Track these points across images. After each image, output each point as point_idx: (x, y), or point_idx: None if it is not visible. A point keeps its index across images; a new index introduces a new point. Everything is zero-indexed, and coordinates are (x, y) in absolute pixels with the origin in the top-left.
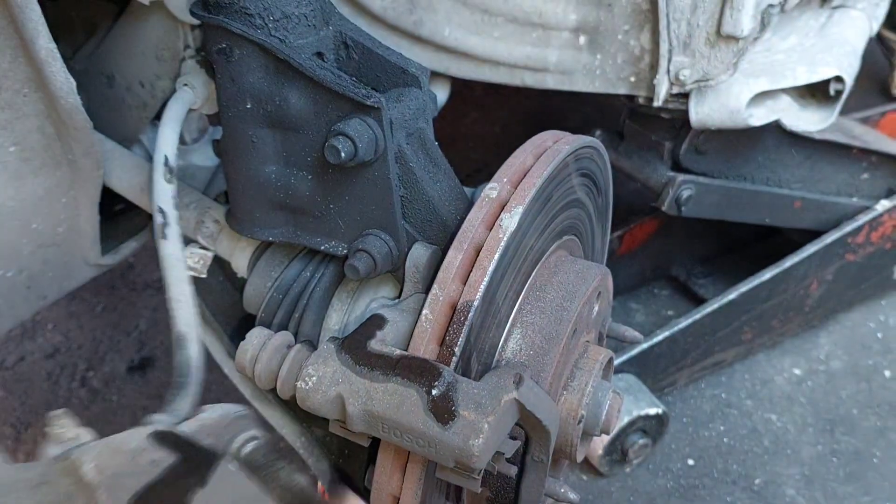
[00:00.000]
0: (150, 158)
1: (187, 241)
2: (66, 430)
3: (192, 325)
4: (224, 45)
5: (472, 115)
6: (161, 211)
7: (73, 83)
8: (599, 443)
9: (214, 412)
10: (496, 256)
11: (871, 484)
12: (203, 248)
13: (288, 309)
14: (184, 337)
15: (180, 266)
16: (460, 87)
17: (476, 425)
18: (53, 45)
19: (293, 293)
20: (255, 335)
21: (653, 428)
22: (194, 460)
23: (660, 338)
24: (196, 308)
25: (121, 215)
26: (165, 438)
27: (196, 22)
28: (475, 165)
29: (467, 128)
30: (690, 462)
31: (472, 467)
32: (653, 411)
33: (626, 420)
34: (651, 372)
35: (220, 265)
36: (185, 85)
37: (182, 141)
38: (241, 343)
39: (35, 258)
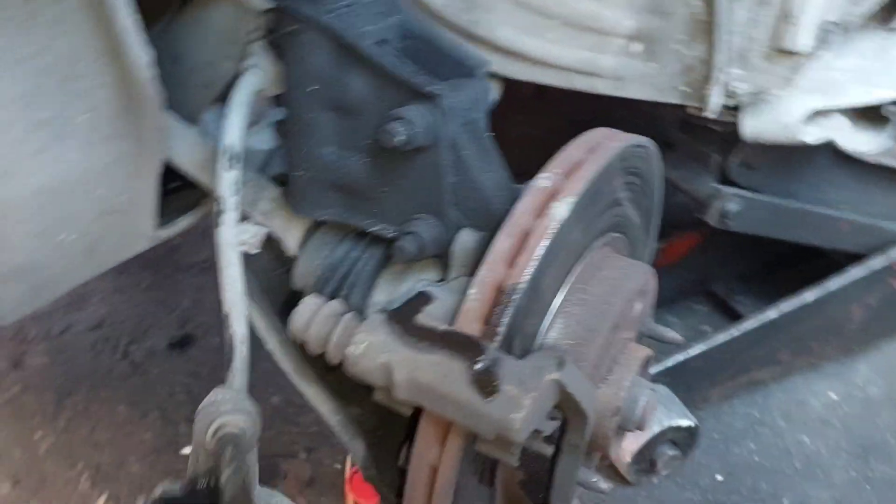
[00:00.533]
0: (209, 137)
1: (242, 217)
2: None
3: (239, 306)
4: (293, 29)
5: (518, 118)
6: (219, 198)
7: (149, 56)
8: (628, 451)
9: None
10: (545, 243)
11: None
12: (257, 224)
13: (335, 286)
14: (228, 316)
15: (233, 252)
16: (507, 90)
17: (518, 400)
18: (133, 18)
19: (341, 271)
20: (310, 302)
21: (683, 440)
22: None
23: (695, 351)
24: (244, 290)
25: (175, 192)
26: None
27: (263, 6)
28: (518, 169)
29: (512, 131)
30: (719, 478)
31: (512, 441)
32: (684, 423)
33: (656, 430)
34: (685, 385)
35: (268, 245)
36: (253, 67)
37: None
38: (296, 309)
39: (96, 225)
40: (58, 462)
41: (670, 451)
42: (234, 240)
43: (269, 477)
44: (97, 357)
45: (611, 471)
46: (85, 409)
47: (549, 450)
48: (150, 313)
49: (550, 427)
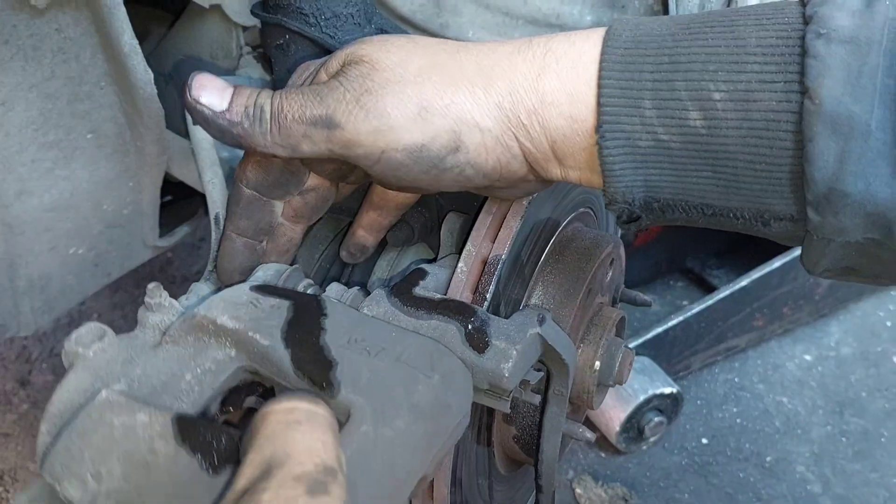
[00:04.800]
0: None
1: None
2: (161, 298)
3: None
4: (281, 41)
5: None
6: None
7: (151, 75)
8: (617, 420)
9: (268, 271)
10: (520, 218)
11: (879, 461)
12: None
13: (335, 276)
14: (220, 218)
15: (212, 151)
16: None
17: (506, 352)
18: (136, 41)
19: (340, 262)
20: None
21: (668, 407)
22: (301, 300)
23: (674, 322)
24: (226, 191)
25: (169, 206)
26: (267, 290)
27: (248, 23)
28: None
29: None
30: (704, 441)
31: (503, 388)
32: (667, 390)
33: (641, 398)
34: (666, 355)
35: None
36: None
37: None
38: None
39: (103, 237)
40: None
41: (656, 418)
42: (211, 140)
43: None
44: None
45: (601, 441)
46: None
47: (536, 399)
48: None
49: (536, 377)
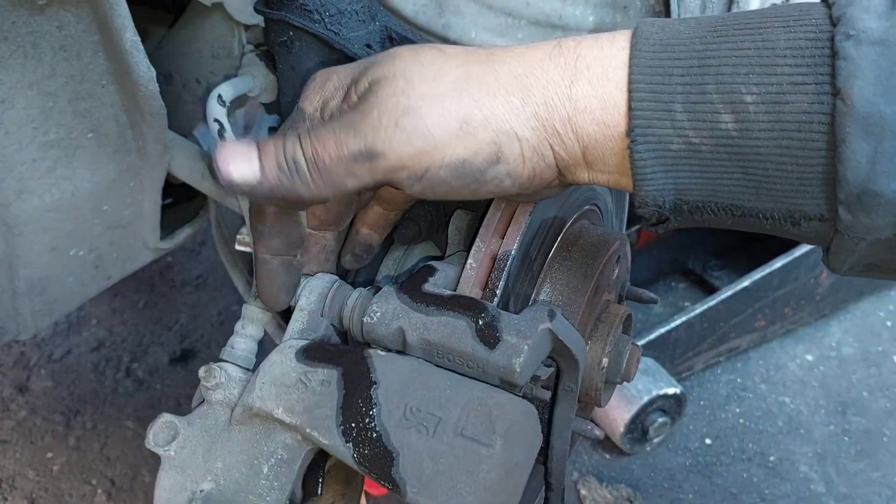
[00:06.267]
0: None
1: (241, 220)
2: (217, 377)
3: None
4: (285, 38)
5: None
6: (218, 121)
7: (154, 72)
8: (621, 421)
9: (312, 294)
10: (529, 214)
11: (882, 461)
12: None
13: (341, 274)
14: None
15: None
16: None
17: (518, 347)
18: (138, 38)
19: None
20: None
21: (671, 407)
22: (349, 364)
23: (677, 323)
24: None
25: (170, 208)
26: (313, 355)
27: (250, 22)
28: None
29: None
30: (708, 441)
31: (515, 383)
32: (671, 391)
33: (645, 399)
34: (669, 356)
35: None
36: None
37: (222, 136)
38: None
39: (103, 239)
40: (72, 479)
41: (660, 419)
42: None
43: None
44: (101, 377)
45: (606, 443)
46: (94, 426)
47: (547, 395)
48: (150, 331)
49: (546, 373)
